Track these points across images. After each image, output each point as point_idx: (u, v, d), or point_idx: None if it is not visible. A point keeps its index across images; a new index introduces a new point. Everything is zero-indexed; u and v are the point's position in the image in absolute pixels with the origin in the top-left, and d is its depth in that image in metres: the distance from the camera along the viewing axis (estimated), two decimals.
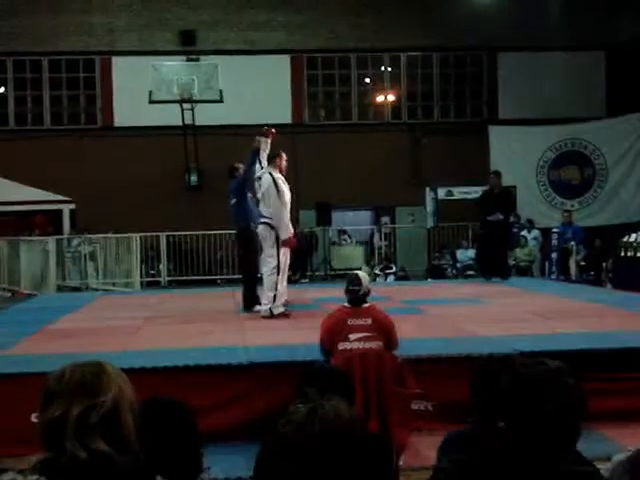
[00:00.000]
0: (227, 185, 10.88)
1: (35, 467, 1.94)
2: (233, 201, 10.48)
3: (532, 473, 2.15)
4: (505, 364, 2.44)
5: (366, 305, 6.36)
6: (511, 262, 16.68)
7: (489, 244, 13.91)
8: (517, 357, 2.54)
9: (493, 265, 13.84)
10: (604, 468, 2.71)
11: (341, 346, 6.10)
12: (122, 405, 1.99)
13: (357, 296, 6.32)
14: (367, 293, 6.37)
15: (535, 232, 20.17)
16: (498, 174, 14.21)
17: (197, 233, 20.30)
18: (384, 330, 6.21)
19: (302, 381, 3.54)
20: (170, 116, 20.69)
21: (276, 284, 9.63)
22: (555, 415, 2.19)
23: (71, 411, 1.93)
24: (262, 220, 9.79)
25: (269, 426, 3.71)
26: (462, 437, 2.79)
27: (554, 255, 18.40)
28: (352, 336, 6.10)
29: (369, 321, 6.17)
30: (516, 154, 21.68)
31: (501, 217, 13.52)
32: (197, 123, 21.04)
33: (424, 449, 5.66)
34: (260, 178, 9.91)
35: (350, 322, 6.16)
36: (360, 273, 6.62)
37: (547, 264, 19.06)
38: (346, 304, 6.40)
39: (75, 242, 19.50)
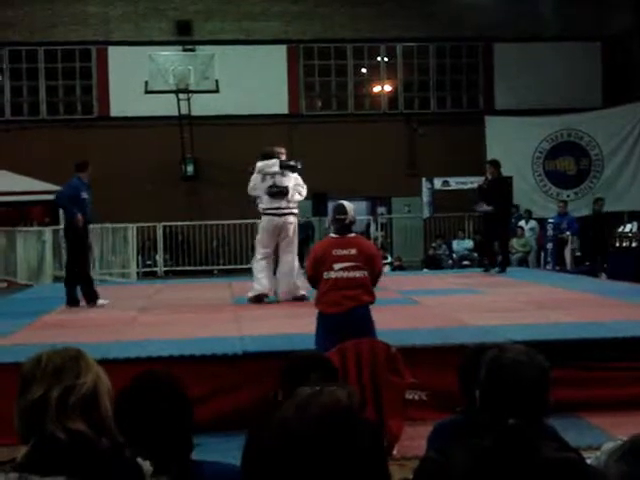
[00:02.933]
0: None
1: (15, 464, 1.93)
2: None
3: (516, 461, 2.17)
4: (484, 352, 2.49)
5: (351, 235, 6.48)
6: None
7: (486, 235, 13.90)
8: (503, 345, 2.57)
9: (492, 256, 13.82)
10: (593, 457, 2.73)
11: (326, 275, 6.26)
12: (101, 389, 2.00)
13: (343, 224, 6.45)
14: (352, 222, 6.52)
15: (532, 222, 20.19)
16: (492, 163, 13.93)
17: (193, 223, 20.32)
18: (368, 260, 6.35)
19: (284, 370, 3.55)
20: (166, 106, 20.67)
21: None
22: (524, 390, 2.27)
23: (51, 392, 1.94)
24: (294, 211, 10.18)
25: (254, 416, 3.74)
26: (450, 426, 2.81)
27: (549, 245, 18.43)
28: (336, 265, 6.25)
29: (353, 251, 6.29)
30: (512, 145, 21.65)
31: (488, 208, 13.27)
32: (193, 113, 21.02)
33: (418, 439, 5.67)
34: (277, 174, 10.11)
35: (335, 252, 6.29)
36: (345, 202, 6.65)
37: (542, 254, 19.10)
38: (332, 234, 6.55)
39: None
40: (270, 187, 10.01)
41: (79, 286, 10.45)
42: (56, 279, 18.10)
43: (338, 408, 1.79)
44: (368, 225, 22.36)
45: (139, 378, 2.62)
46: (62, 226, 11.17)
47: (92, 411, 1.96)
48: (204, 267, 20.00)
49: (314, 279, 6.47)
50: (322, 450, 1.75)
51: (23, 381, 2.00)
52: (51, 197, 20.56)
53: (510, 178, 19.17)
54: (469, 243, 20.68)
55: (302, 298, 9.92)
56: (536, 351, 2.40)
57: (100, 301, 10.31)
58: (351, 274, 6.24)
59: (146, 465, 2.09)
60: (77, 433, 1.92)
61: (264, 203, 10.07)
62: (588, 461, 2.57)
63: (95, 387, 1.99)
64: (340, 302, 6.23)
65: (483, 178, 14.04)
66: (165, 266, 19.99)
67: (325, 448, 1.75)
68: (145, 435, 2.36)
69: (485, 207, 13.36)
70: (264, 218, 10.12)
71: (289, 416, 1.80)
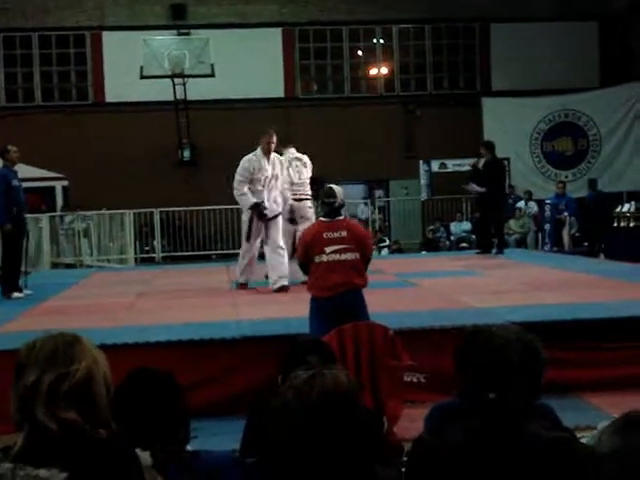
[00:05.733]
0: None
1: (6, 453, 1.91)
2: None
3: (502, 439, 2.17)
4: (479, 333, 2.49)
5: (341, 218, 6.50)
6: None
7: (482, 217, 13.87)
8: (495, 326, 2.57)
9: (489, 238, 13.76)
10: (589, 436, 2.73)
11: (317, 259, 6.27)
12: (96, 376, 1.95)
13: (332, 208, 6.45)
14: (342, 205, 6.55)
15: (531, 204, 20.19)
16: (485, 145, 13.72)
17: (191, 209, 20.26)
18: (359, 241, 6.36)
19: (285, 355, 3.55)
20: (162, 91, 20.61)
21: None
22: (510, 368, 2.27)
23: (43, 379, 1.90)
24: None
25: (254, 401, 3.73)
26: (446, 409, 2.81)
27: (547, 227, 18.43)
28: (328, 249, 6.25)
29: (344, 233, 6.29)
30: (509, 126, 21.61)
31: (480, 189, 13.19)
32: (189, 98, 20.96)
33: (417, 421, 5.66)
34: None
35: (326, 235, 6.29)
36: (334, 186, 6.69)
37: (540, 236, 19.10)
38: (322, 218, 6.58)
39: (68, 219, 19.46)
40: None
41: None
42: (54, 265, 18.11)
43: (339, 390, 1.79)
44: (364, 208, 22.35)
45: (133, 373, 2.63)
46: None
47: (85, 400, 1.92)
48: (202, 252, 19.97)
49: (305, 263, 6.46)
50: (323, 432, 1.74)
51: (17, 367, 1.97)
52: (47, 184, 20.65)
53: (507, 160, 19.15)
54: (467, 225, 20.68)
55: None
56: (528, 331, 2.39)
57: (15, 294, 10.08)
58: (342, 257, 6.24)
59: (145, 456, 2.07)
60: (69, 423, 1.88)
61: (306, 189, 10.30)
62: (584, 440, 2.56)
63: (90, 374, 1.94)
64: (332, 286, 6.23)
65: (476, 159, 14.04)
66: (163, 252, 19.95)
67: (326, 430, 1.74)
68: (141, 428, 2.36)
69: (477, 188, 13.31)
70: (309, 203, 10.34)
71: (289, 400, 1.79)
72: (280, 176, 9.95)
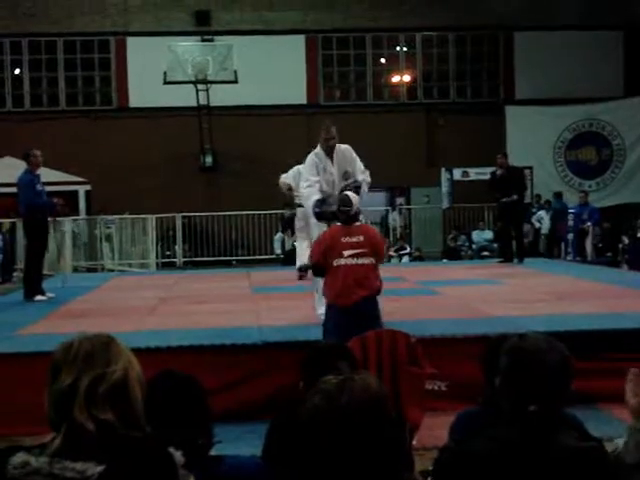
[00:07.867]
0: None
1: (44, 448, 1.92)
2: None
3: (536, 449, 2.15)
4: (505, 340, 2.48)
5: (358, 224, 6.62)
6: None
7: (508, 226, 13.80)
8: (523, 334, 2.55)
9: (510, 247, 13.71)
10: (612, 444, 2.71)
11: (335, 263, 6.32)
12: (131, 377, 1.97)
13: (349, 216, 6.56)
14: (358, 212, 6.69)
15: (551, 212, 20.08)
16: (504, 154, 14.08)
17: (212, 214, 20.35)
18: (375, 246, 6.47)
19: (305, 361, 3.54)
20: (185, 97, 20.70)
21: None
22: (545, 376, 2.25)
23: (81, 380, 1.92)
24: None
25: (276, 406, 3.71)
26: (472, 417, 2.79)
27: (570, 236, 18.32)
28: (346, 252, 6.33)
29: (361, 238, 6.39)
30: (533, 134, 21.53)
31: (515, 197, 13.31)
32: (212, 104, 21.04)
33: (437, 429, 5.65)
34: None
35: (344, 240, 6.38)
36: (350, 194, 6.82)
37: (563, 245, 18.99)
38: (338, 224, 6.67)
39: (91, 223, 19.59)
40: None
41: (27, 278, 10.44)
42: (75, 269, 18.22)
43: (369, 396, 1.78)
44: (386, 215, 22.30)
45: (157, 377, 2.62)
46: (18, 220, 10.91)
47: (121, 401, 1.94)
48: (223, 258, 20.02)
49: (320, 266, 6.46)
50: (352, 437, 1.73)
51: (54, 368, 1.98)
52: (70, 188, 20.77)
53: (529, 168, 19.08)
54: (489, 234, 20.59)
55: None
56: (556, 339, 2.38)
57: (38, 297, 10.10)
58: (360, 261, 6.32)
59: (177, 455, 2.08)
60: (106, 423, 1.90)
61: None
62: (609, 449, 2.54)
63: (125, 376, 1.96)
64: (351, 291, 6.24)
65: (495, 168, 14.08)
66: (184, 257, 20.04)
67: (355, 435, 1.73)
68: (164, 431, 2.35)
69: (514, 197, 13.26)
70: None
71: (319, 404, 1.78)
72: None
